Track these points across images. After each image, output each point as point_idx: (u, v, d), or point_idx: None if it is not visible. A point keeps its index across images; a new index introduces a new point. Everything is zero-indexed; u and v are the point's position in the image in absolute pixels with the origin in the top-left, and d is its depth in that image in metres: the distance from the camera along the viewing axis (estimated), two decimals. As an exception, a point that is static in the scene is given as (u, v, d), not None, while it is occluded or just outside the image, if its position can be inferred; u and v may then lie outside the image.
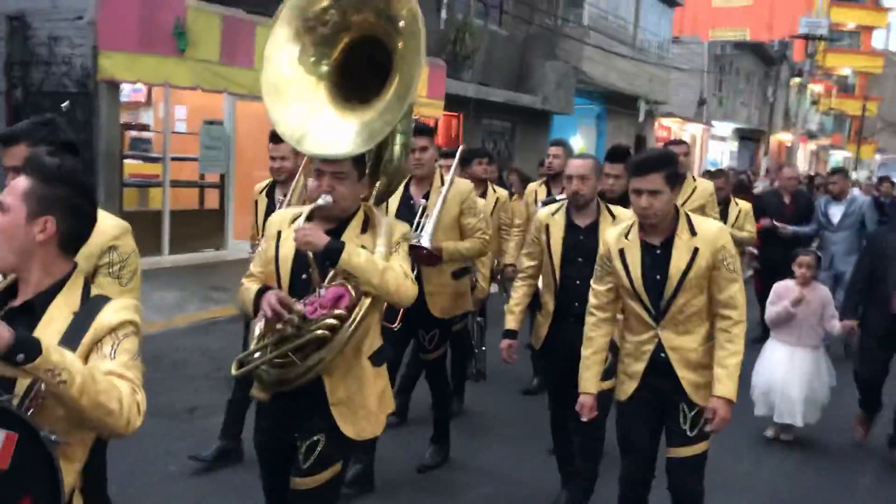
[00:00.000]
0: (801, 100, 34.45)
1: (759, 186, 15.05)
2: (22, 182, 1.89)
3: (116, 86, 9.41)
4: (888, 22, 47.71)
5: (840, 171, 9.02)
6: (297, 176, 4.35)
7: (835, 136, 42.42)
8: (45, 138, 2.54)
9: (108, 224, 2.50)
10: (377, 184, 2.96)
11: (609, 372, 3.59)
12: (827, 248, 7.92)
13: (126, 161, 10.12)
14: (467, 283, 4.78)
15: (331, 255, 2.63)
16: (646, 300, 3.28)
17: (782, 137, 36.39)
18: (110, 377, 1.78)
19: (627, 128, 22.51)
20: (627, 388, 3.39)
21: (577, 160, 4.02)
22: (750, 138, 34.43)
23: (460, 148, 5.20)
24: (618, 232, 3.40)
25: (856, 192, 10.55)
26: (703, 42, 29.43)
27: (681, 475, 3.32)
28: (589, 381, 3.43)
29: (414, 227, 4.18)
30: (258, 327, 2.75)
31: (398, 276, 2.69)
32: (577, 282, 3.83)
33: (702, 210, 5.37)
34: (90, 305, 1.91)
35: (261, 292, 2.69)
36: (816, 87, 40.30)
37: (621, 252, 3.32)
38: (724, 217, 6.39)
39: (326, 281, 2.70)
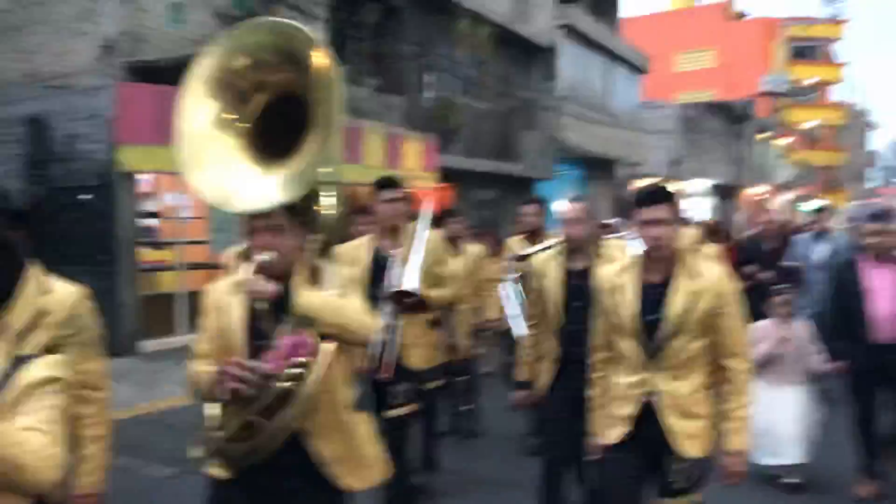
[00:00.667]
0: (768, 153, 35.60)
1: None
2: None
3: (132, 177, 9.93)
4: (843, 76, 49.65)
5: (824, 210, 9.05)
6: None
7: (807, 187, 43.69)
8: None
9: (67, 292, 2.52)
10: (317, 238, 2.78)
11: None
12: (810, 287, 7.79)
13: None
14: (443, 336, 4.73)
15: (285, 301, 2.49)
16: (639, 340, 3.15)
17: (755, 191, 37.46)
18: (27, 433, 1.74)
19: (607, 190, 23.34)
20: (614, 432, 3.21)
21: (569, 204, 3.97)
22: (728, 195, 35.42)
23: (429, 206, 4.82)
24: (614, 268, 3.32)
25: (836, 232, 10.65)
26: (672, 105, 30.75)
27: None
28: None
29: (391, 277, 4.15)
30: (213, 410, 2.51)
31: (358, 311, 2.56)
32: (578, 326, 3.68)
33: None
34: (17, 361, 1.90)
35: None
36: (782, 142, 41.76)
37: (616, 288, 3.23)
38: None
39: (282, 332, 2.48)
